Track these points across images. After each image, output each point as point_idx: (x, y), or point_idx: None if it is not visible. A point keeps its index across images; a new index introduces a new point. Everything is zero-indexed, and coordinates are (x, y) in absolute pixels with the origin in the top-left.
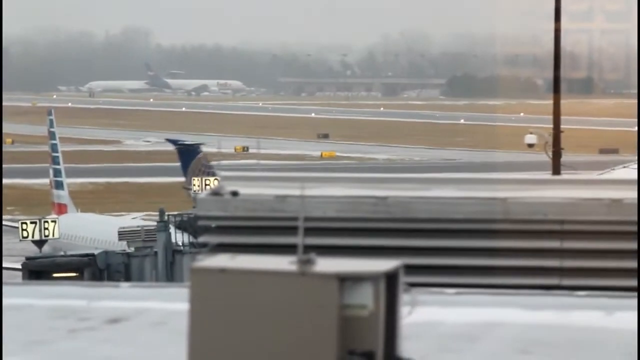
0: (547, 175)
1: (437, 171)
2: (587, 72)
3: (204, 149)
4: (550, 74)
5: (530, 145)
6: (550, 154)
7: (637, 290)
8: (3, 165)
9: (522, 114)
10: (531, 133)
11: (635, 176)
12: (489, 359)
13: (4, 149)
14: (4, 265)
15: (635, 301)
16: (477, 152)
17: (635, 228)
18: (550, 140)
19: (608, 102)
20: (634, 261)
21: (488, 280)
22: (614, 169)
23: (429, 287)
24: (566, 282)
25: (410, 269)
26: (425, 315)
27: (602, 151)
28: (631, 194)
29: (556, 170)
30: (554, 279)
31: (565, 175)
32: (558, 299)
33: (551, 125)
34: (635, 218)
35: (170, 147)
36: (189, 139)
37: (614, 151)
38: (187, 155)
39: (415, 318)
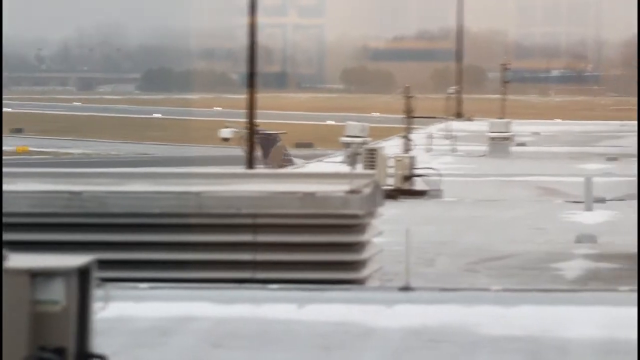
0: (242, 169)
1: (133, 166)
2: (282, 67)
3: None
4: (245, 68)
5: (226, 140)
6: (245, 148)
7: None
8: None
9: (218, 108)
10: (226, 127)
11: (327, 170)
12: (182, 353)
13: None
14: None
15: (325, 293)
16: (173, 147)
17: (327, 221)
18: (245, 134)
19: (302, 96)
20: (326, 254)
21: (182, 274)
22: (307, 163)
23: (122, 282)
24: (259, 275)
25: (104, 264)
26: (119, 310)
27: (298, 145)
28: (323, 187)
29: (250, 164)
30: (247, 273)
31: (259, 169)
32: (251, 292)
33: (246, 120)
34: (328, 211)
35: None
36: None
37: (309, 145)
38: (267, 144)
39: (108, 313)
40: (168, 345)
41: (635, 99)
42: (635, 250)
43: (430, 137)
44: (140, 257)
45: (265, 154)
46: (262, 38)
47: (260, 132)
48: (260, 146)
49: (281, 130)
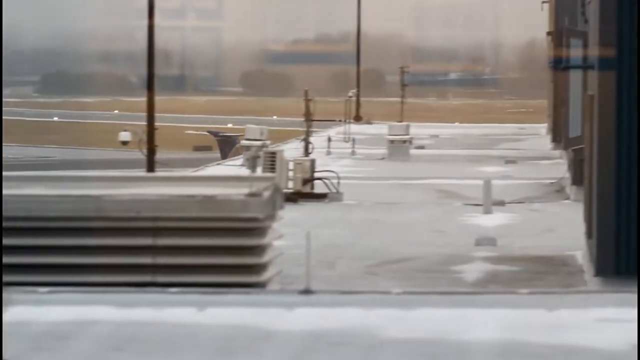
0: (142, 172)
1: (31, 169)
2: (181, 70)
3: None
4: (144, 71)
5: (125, 143)
6: (145, 151)
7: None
8: None
9: (116, 112)
10: (125, 130)
11: (227, 173)
12: (82, 357)
13: None
14: None
15: (226, 297)
16: (72, 150)
17: (227, 224)
18: (144, 137)
19: (201, 99)
20: (227, 257)
21: (82, 278)
22: (207, 166)
23: (21, 286)
24: (160, 278)
25: (3, 268)
26: (18, 314)
27: (196, 148)
28: (223, 191)
29: (150, 167)
30: (147, 276)
31: (159, 173)
32: (151, 296)
33: (145, 123)
34: (228, 214)
35: None
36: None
37: (208, 148)
38: (227, 145)
39: (7, 317)
40: (68, 349)
41: (533, 102)
42: (535, 252)
43: (329, 140)
44: (39, 261)
45: (224, 156)
46: (160, 41)
47: (220, 134)
48: (219, 148)
49: (240, 133)
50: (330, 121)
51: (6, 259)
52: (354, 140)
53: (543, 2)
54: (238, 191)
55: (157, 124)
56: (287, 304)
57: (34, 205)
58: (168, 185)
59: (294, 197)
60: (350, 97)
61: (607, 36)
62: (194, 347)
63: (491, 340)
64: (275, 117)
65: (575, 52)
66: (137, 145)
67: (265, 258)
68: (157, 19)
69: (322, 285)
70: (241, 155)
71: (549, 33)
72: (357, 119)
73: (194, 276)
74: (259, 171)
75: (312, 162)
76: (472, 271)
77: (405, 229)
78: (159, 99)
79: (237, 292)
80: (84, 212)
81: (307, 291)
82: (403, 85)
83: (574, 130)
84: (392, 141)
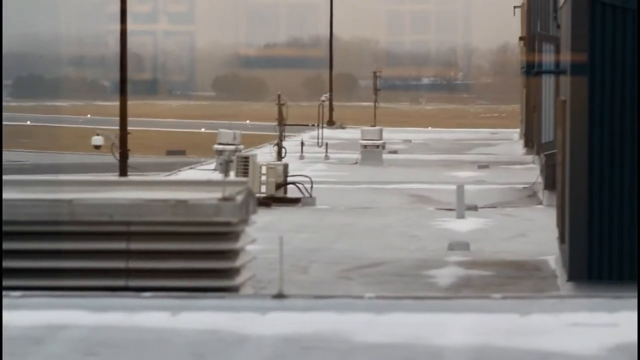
0: (114, 177)
1: (4, 173)
2: (153, 74)
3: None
4: (117, 75)
5: (97, 147)
6: (117, 155)
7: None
8: None
9: (89, 116)
10: (98, 135)
11: (199, 177)
12: None
13: None
14: None
15: (199, 301)
16: (44, 154)
17: (200, 229)
18: (117, 141)
19: (174, 104)
20: (200, 262)
21: (55, 282)
22: (180, 171)
23: None
24: (132, 283)
25: None
26: None
27: (169, 153)
28: (196, 195)
29: (123, 172)
30: (120, 281)
31: (132, 177)
32: (124, 300)
33: (118, 127)
34: (201, 218)
35: None
36: None
37: (181, 152)
38: None
39: None
40: (40, 354)
41: (505, 107)
42: (507, 257)
43: (302, 144)
44: (12, 266)
45: None
46: (133, 45)
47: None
48: None
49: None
50: (303, 126)
51: None
52: (327, 144)
53: (515, 7)
54: (211, 195)
55: (129, 128)
56: (260, 308)
57: (6, 209)
58: (141, 189)
59: (267, 202)
60: (323, 101)
61: (579, 41)
62: (167, 352)
63: (464, 345)
64: (248, 121)
65: (548, 57)
66: (109, 149)
67: (238, 262)
68: (130, 24)
69: (295, 289)
70: None
71: (521, 38)
72: (330, 123)
73: (167, 280)
74: (232, 175)
75: (285, 166)
76: (445, 276)
77: (378, 233)
78: (131, 103)
79: (211, 296)
80: (56, 216)
81: (280, 295)
82: (376, 90)
83: (546, 135)
84: (365, 146)
